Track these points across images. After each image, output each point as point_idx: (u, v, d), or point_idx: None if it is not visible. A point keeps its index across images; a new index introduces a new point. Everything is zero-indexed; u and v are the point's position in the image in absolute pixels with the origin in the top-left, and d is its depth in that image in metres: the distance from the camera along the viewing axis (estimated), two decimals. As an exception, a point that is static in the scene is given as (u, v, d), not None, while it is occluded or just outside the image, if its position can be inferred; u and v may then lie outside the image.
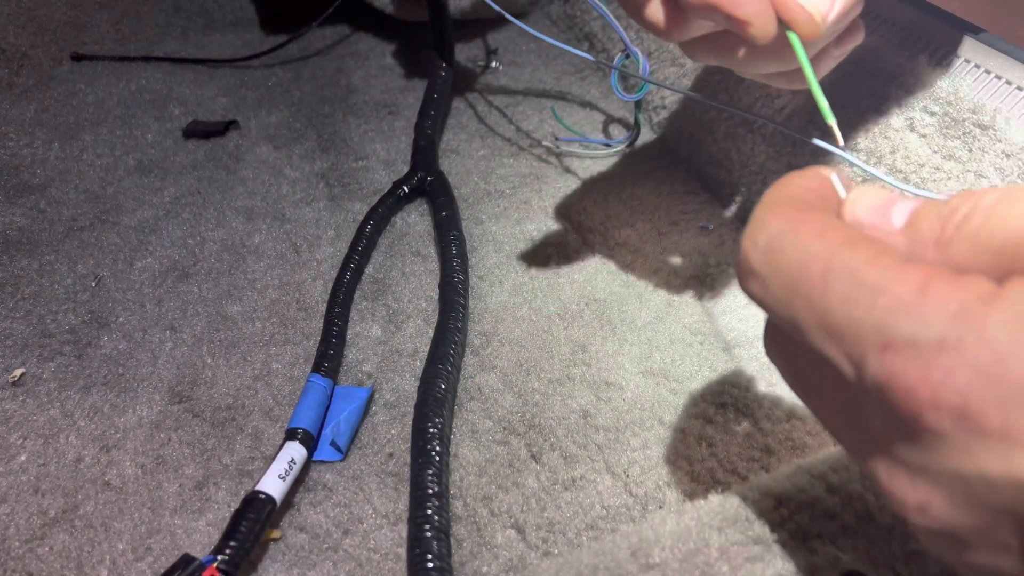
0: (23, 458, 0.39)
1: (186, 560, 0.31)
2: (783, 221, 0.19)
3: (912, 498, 0.18)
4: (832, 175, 0.21)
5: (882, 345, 0.17)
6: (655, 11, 0.29)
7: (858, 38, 0.31)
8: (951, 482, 0.17)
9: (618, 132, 0.62)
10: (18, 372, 0.43)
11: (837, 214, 0.20)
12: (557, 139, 0.60)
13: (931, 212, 0.18)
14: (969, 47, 0.40)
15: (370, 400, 0.41)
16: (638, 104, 0.55)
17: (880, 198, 0.20)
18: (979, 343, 0.16)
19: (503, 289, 0.47)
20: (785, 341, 0.21)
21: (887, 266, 0.17)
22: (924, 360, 0.16)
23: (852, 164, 0.25)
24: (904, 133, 0.40)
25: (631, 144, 0.58)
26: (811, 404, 0.21)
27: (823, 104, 0.23)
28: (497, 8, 0.49)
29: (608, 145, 0.59)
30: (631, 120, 0.62)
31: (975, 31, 0.40)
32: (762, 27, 0.26)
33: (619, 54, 0.50)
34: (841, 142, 0.24)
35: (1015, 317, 0.15)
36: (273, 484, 0.34)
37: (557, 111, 0.63)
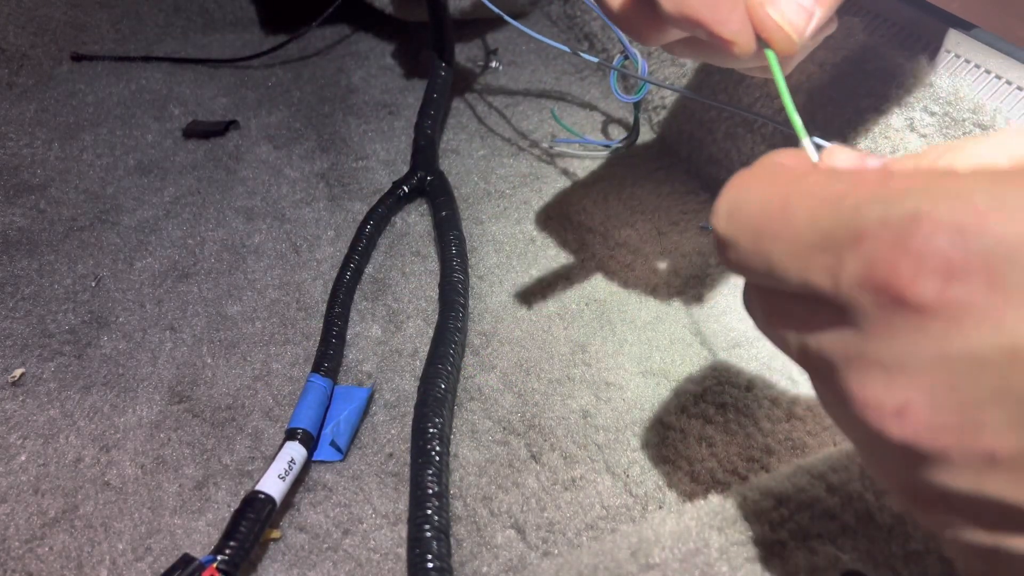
0: (23, 458, 0.39)
1: (186, 560, 0.31)
2: (739, 186, 0.19)
3: (890, 401, 0.17)
4: (804, 139, 0.21)
5: (855, 239, 0.16)
6: (632, 17, 0.29)
7: (830, 29, 0.32)
8: (933, 371, 0.16)
9: (618, 132, 0.62)
10: (18, 372, 0.43)
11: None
12: (554, 139, 0.60)
13: (906, 160, 0.18)
14: (970, 47, 0.40)
15: (370, 400, 0.41)
16: (637, 105, 0.55)
17: (855, 153, 0.19)
18: (959, 204, 0.15)
19: (503, 289, 0.47)
20: (765, 294, 0.20)
21: (846, 177, 0.17)
22: (902, 234, 0.15)
23: None
24: (904, 133, 0.40)
25: (630, 145, 0.58)
26: (789, 351, 0.20)
27: (797, 122, 0.23)
28: (495, 10, 0.49)
29: (607, 146, 0.59)
30: (631, 120, 0.62)
31: (975, 31, 0.40)
32: (743, 45, 0.26)
33: (618, 55, 0.50)
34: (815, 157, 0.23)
35: (990, 178, 0.15)
36: (273, 484, 0.34)
37: (557, 112, 0.63)
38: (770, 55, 0.26)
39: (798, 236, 0.17)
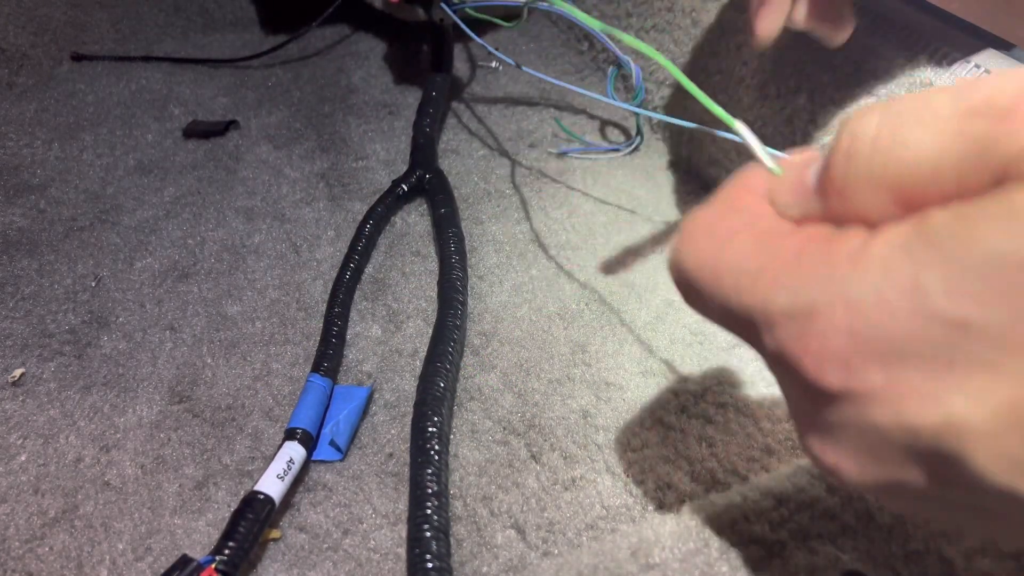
0: (23, 458, 0.39)
1: (184, 561, 0.31)
2: (685, 235, 0.20)
3: (827, 460, 0.18)
4: (758, 150, 0.21)
5: (767, 323, 0.17)
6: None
7: (845, 30, 0.35)
8: (853, 440, 0.17)
9: (619, 133, 0.62)
10: (18, 372, 0.43)
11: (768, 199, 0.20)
12: (560, 148, 0.60)
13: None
14: (969, 47, 0.40)
15: (370, 399, 0.41)
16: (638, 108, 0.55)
17: (797, 171, 0.19)
18: (847, 307, 0.15)
19: (503, 289, 0.47)
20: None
21: (768, 245, 0.17)
22: (802, 329, 0.16)
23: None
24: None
25: (635, 149, 0.59)
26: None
27: (717, 111, 0.23)
28: (454, 19, 0.49)
29: (616, 150, 0.59)
30: (632, 120, 0.62)
31: (975, 31, 0.40)
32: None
33: (611, 67, 0.50)
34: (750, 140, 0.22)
35: (880, 271, 0.15)
36: (272, 484, 0.34)
37: (560, 120, 0.63)
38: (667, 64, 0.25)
39: (728, 305, 0.18)
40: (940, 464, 0.15)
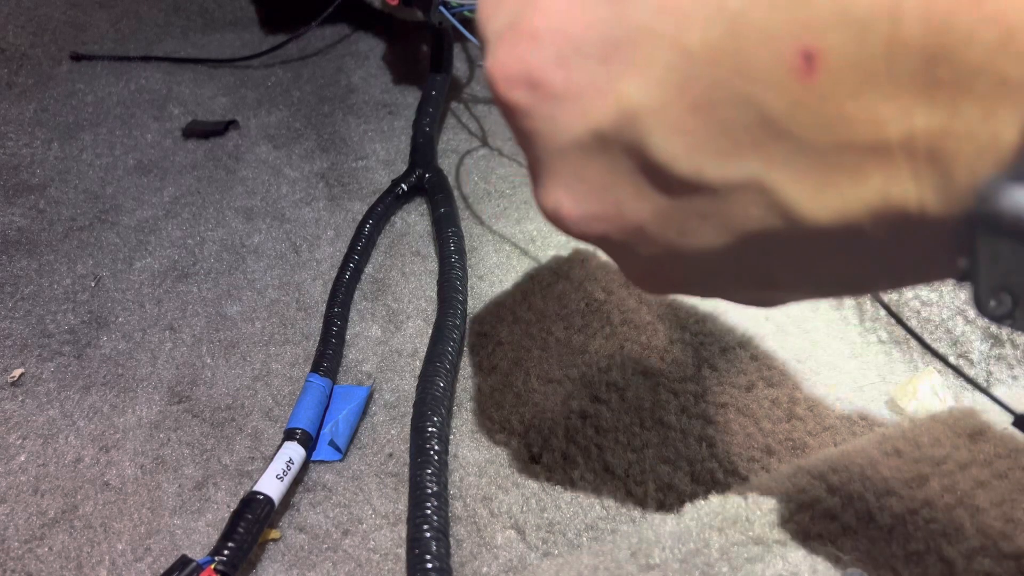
0: (23, 458, 0.39)
1: (184, 562, 0.31)
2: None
3: (547, 204, 0.19)
4: None
5: (486, 51, 0.19)
6: None
7: None
8: (561, 165, 0.18)
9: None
10: (17, 372, 0.43)
11: None
12: None
13: None
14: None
15: (369, 399, 0.41)
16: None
17: None
18: (536, 13, 0.17)
19: (503, 289, 0.47)
20: None
21: None
22: (496, 46, 0.18)
23: None
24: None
25: None
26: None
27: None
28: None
29: None
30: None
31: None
32: None
33: None
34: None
35: None
36: (271, 484, 0.34)
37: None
38: None
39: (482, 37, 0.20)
40: (632, 164, 0.16)
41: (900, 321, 0.32)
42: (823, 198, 0.15)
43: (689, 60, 0.15)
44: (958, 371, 0.33)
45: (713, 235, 0.17)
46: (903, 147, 0.14)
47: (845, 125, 0.14)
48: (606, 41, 0.16)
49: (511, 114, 0.18)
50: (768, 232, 0.16)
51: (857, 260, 0.16)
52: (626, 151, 0.16)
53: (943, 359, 0.34)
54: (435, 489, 0.33)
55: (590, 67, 0.16)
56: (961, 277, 0.15)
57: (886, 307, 0.32)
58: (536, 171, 0.19)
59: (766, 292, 0.19)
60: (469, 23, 0.57)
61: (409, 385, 0.42)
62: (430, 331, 0.43)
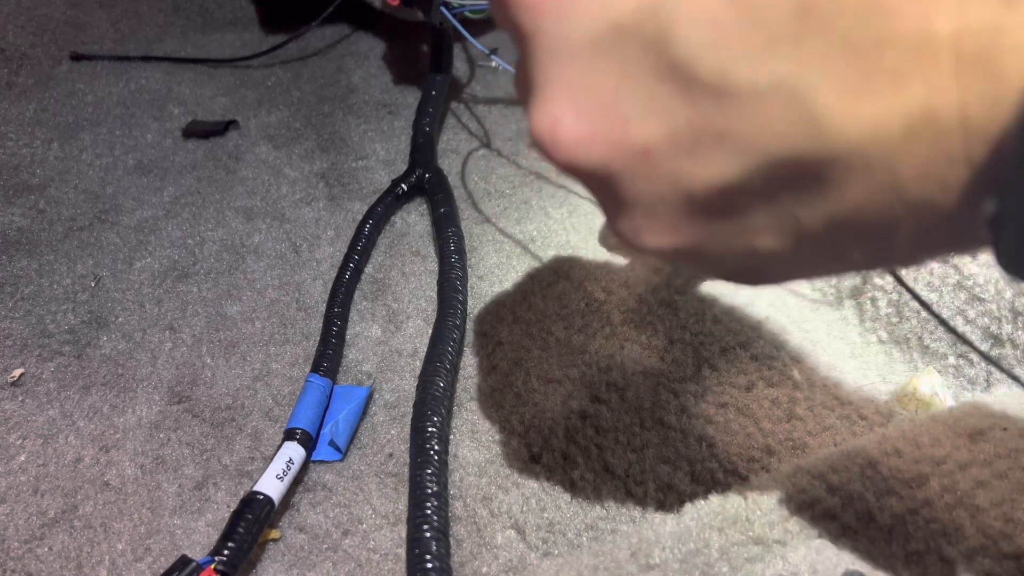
0: (22, 458, 0.39)
1: (183, 562, 0.31)
2: None
3: (543, 124, 0.17)
4: None
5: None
6: None
7: None
8: (565, 76, 0.16)
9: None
10: (17, 372, 0.43)
11: None
12: None
13: None
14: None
15: (369, 399, 0.41)
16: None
17: None
18: None
19: (503, 289, 0.47)
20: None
21: None
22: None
23: None
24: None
25: None
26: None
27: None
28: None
29: None
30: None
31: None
32: None
33: None
34: None
35: None
36: (271, 484, 0.34)
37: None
38: None
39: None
40: (649, 65, 0.15)
41: (928, 308, 0.30)
42: (857, 108, 0.14)
43: None
44: (987, 357, 0.32)
45: (726, 163, 0.15)
46: (952, 46, 0.12)
47: (892, 14, 0.13)
48: None
49: (514, 7, 0.16)
50: (788, 158, 0.15)
51: (878, 202, 0.15)
52: (645, 47, 0.15)
53: (972, 345, 0.33)
54: (435, 489, 0.33)
55: None
56: (989, 227, 0.14)
57: (914, 294, 0.29)
58: (534, 83, 0.17)
59: (764, 253, 0.17)
60: (469, 23, 0.57)
61: (409, 385, 0.42)
62: (430, 331, 0.43)
